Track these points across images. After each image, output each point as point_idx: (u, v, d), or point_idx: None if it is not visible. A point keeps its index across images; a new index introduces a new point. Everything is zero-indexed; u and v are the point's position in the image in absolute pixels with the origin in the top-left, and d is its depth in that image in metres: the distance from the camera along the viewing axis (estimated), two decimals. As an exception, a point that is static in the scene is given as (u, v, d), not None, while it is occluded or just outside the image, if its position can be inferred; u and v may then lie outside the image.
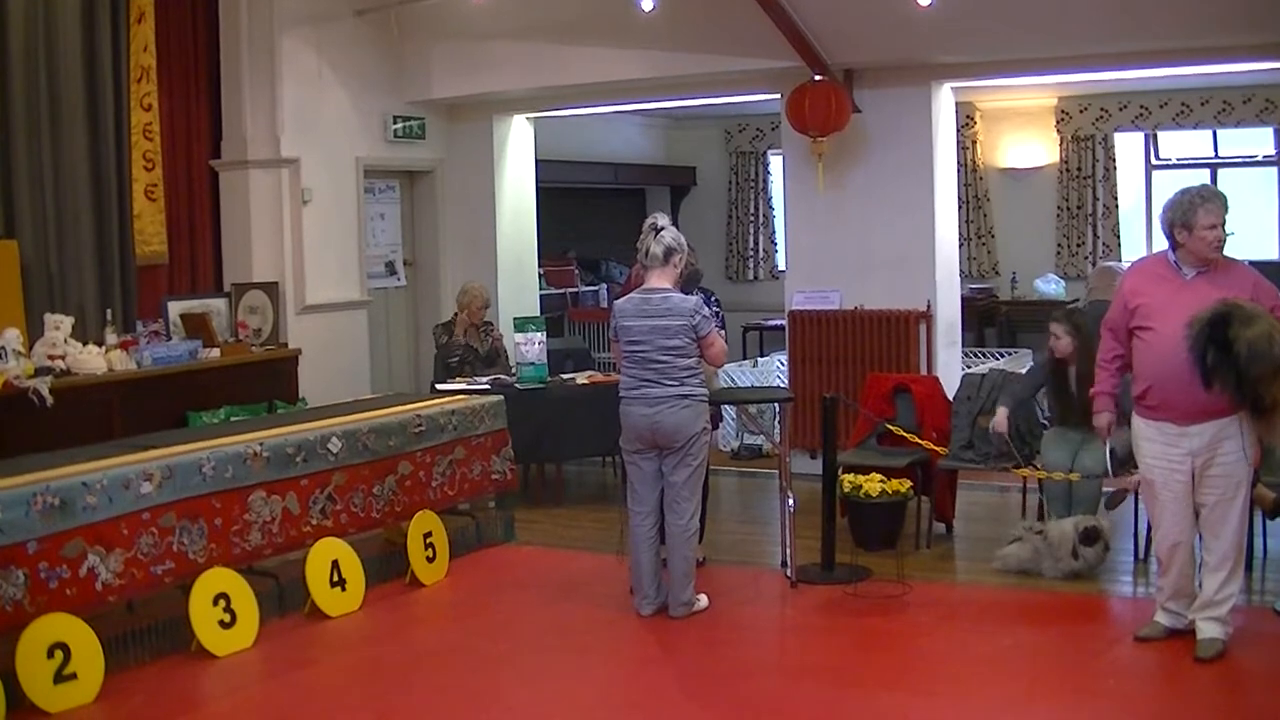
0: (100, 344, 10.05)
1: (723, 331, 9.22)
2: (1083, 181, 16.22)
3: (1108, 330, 7.40)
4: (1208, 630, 7.04)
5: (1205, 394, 6.66)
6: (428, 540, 9.03)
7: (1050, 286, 16.09)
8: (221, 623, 7.54)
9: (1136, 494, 8.41)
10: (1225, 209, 6.96)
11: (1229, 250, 7.10)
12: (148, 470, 7.26)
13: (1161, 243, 7.23)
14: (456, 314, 12.17)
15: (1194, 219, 6.91)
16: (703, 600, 8.19)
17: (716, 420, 9.99)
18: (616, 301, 8.32)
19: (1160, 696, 6.75)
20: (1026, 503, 9.52)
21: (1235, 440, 6.87)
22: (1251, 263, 7.24)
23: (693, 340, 7.89)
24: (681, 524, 8.05)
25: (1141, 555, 8.85)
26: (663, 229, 8.04)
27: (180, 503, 7.40)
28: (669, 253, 8.01)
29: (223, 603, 7.57)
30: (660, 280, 8.02)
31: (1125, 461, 7.60)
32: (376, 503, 8.75)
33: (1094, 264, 15.90)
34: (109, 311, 10.57)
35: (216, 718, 6.84)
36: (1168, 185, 14.40)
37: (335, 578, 8.29)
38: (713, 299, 9.47)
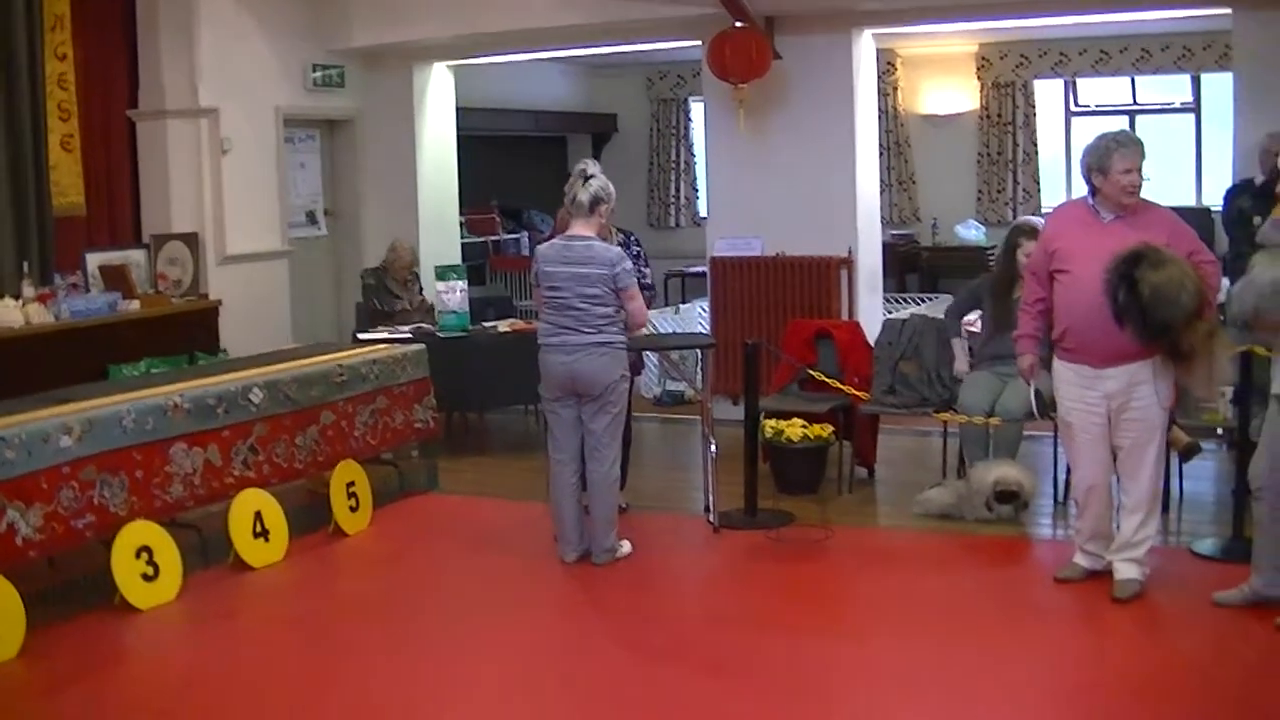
0: (17, 297, 9.95)
1: (648, 274, 9.24)
2: (1003, 128, 16.32)
3: (1030, 274, 7.50)
4: (1125, 571, 7.14)
5: (1121, 337, 6.75)
6: (351, 490, 9.02)
7: (971, 232, 16.20)
8: (144, 576, 7.50)
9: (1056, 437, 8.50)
10: (1141, 154, 7.03)
11: (1147, 195, 7.17)
12: (67, 424, 7.20)
13: (1081, 188, 7.30)
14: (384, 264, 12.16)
15: (1109, 164, 6.98)
16: (625, 546, 8.23)
17: (639, 367, 9.98)
18: (538, 247, 8.32)
19: (1079, 636, 6.85)
20: (947, 447, 9.58)
21: (1150, 384, 6.96)
22: (1170, 208, 7.31)
23: (611, 290, 7.88)
24: (602, 471, 8.07)
25: (1060, 498, 8.95)
26: (591, 176, 8.02)
27: (100, 456, 7.34)
28: (595, 201, 7.99)
29: (145, 556, 7.52)
30: (584, 229, 8.01)
31: (1051, 404, 7.67)
32: (299, 453, 8.72)
33: (1014, 210, 16.04)
34: (25, 264, 10.44)
35: (142, 672, 6.82)
36: (1087, 132, 14.41)
37: (258, 529, 8.27)
38: (633, 239, 9.48)
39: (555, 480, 8.21)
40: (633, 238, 9.54)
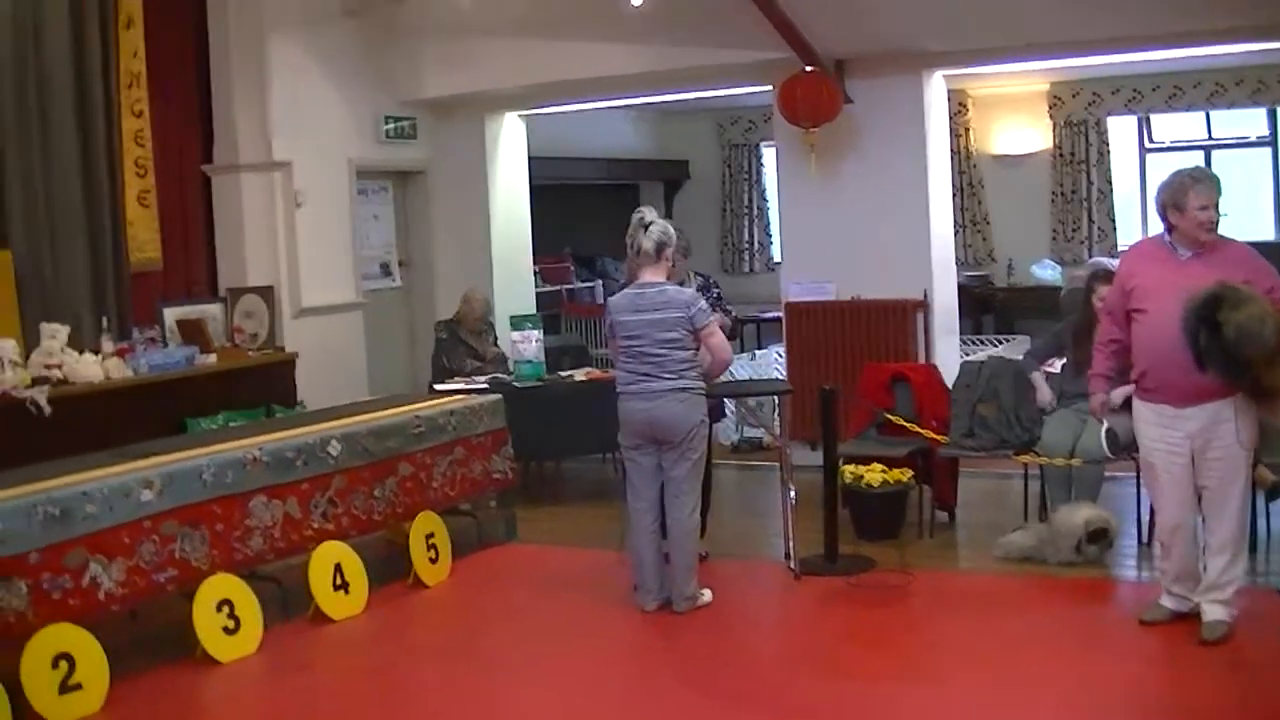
0: (96, 352, 10.00)
1: (729, 317, 9.21)
2: (1076, 166, 16.26)
3: (1106, 313, 7.42)
4: (1212, 613, 7.04)
5: (1201, 376, 6.68)
6: (430, 541, 9.02)
7: (1046, 272, 16.12)
8: (225, 629, 7.54)
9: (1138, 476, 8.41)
10: (1217, 190, 6.96)
11: (1225, 231, 7.11)
12: (147, 478, 7.25)
13: (1157, 226, 7.24)
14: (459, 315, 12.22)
15: (1185, 200, 6.92)
16: (706, 594, 8.18)
17: (717, 413, 9.95)
18: (611, 298, 8.30)
19: (1166, 680, 6.75)
20: (1028, 489, 9.49)
21: (1232, 423, 6.87)
22: (1248, 244, 7.24)
23: (689, 333, 7.88)
24: (682, 518, 8.04)
25: (1145, 539, 8.83)
26: (651, 224, 8.02)
27: (181, 509, 7.38)
28: (660, 246, 8.00)
29: (226, 609, 7.55)
30: (654, 274, 8.01)
31: (1127, 445, 7.59)
32: (377, 504, 8.73)
33: (1090, 249, 15.95)
34: (104, 319, 10.51)
35: (223, 724, 6.86)
36: (1162, 168, 14.34)
37: (338, 581, 8.28)
38: (711, 280, 9.49)
39: (635, 528, 8.18)
40: (711, 280, 9.54)
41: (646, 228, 8.01)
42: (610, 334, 8.15)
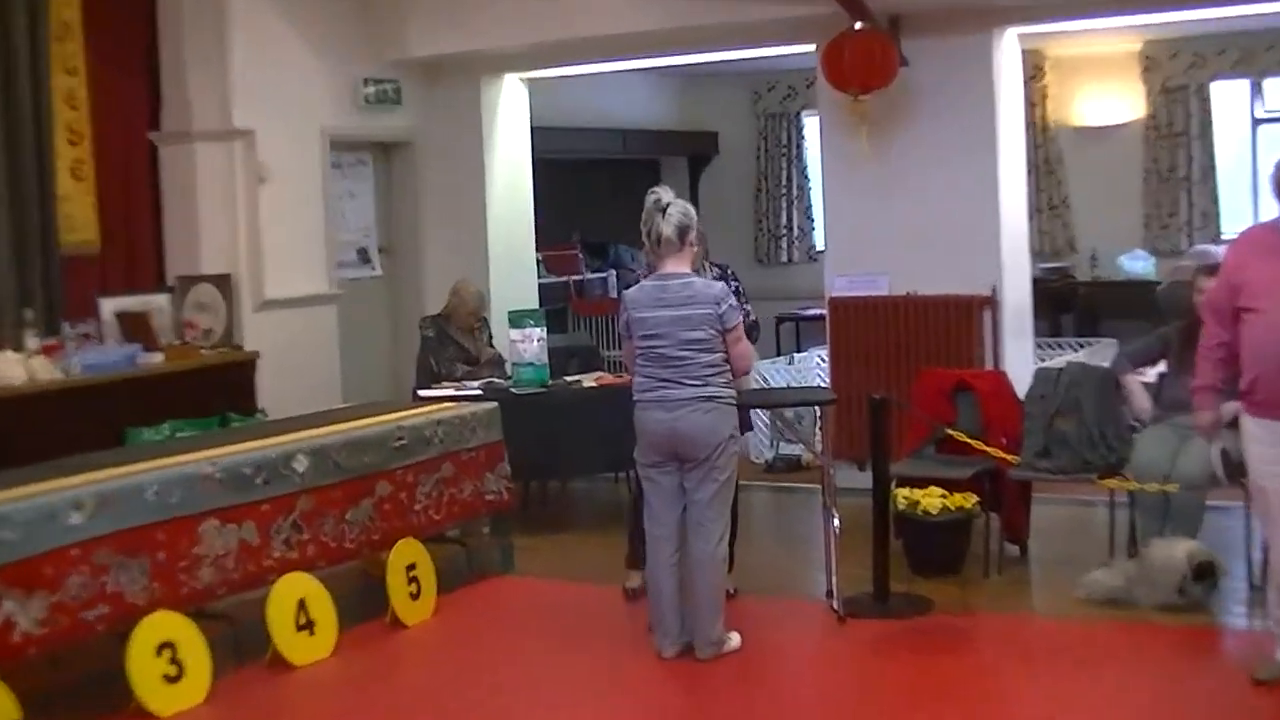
0: (19, 349, 10.02)
1: (747, 318, 9.14)
2: (1174, 140, 16.17)
3: (1210, 312, 7.32)
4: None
5: None
6: (411, 573, 9.00)
7: (1137, 264, 16.05)
8: (166, 676, 7.47)
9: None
10: None
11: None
12: (78, 498, 7.21)
13: (1271, 209, 7.14)
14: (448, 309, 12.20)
15: None
16: (734, 639, 8.12)
17: (747, 426, 9.89)
18: (627, 291, 8.27)
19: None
20: (1114, 519, 9.43)
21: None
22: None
23: (718, 333, 7.83)
24: (708, 549, 7.97)
25: (1257, 580, 8.73)
26: (669, 205, 7.96)
27: (116, 535, 7.32)
28: (682, 231, 7.94)
29: (168, 653, 7.49)
30: (678, 265, 7.97)
31: (1241, 467, 7.50)
32: (350, 530, 8.72)
33: (1189, 237, 15.87)
34: (29, 311, 10.52)
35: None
36: (1276, 142, 14.32)
37: (302, 620, 8.24)
38: (729, 271, 9.42)
39: (652, 559, 8.14)
40: (729, 270, 9.47)
41: (664, 210, 7.94)
42: (625, 333, 8.10)
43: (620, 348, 8.63)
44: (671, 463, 7.98)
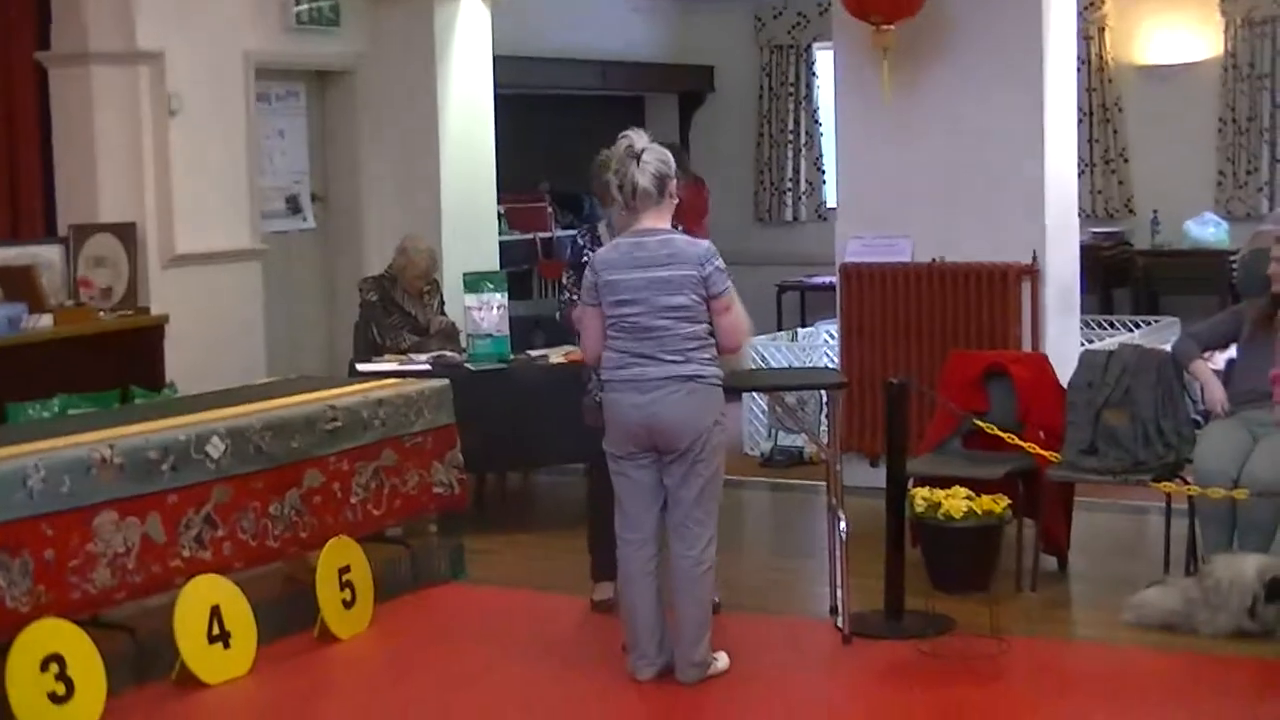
0: (-123, 310, 10.06)
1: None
2: (1256, 83, 16.21)
3: None
4: None
5: None
6: (344, 578, 9.02)
7: (1207, 231, 16.06)
8: (53, 695, 7.47)
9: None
10: None
11: None
12: (-52, 484, 7.25)
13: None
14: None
15: None
16: (722, 660, 8.15)
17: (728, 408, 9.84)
18: (598, 252, 8.24)
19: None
20: (1171, 529, 9.48)
21: None
22: None
23: (701, 300, 7.84)
24: (693, 556, 7.99)
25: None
26: (644, 150, 7.93)
27: (-6, 529, 7.38)
28: (661, 181, 7.91)
29: (55, 667, 7.48)
30: (657, 220, 7.97)
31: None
32: (274, 526, 8.75)
33: (1271, 199, 15.89)
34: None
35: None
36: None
37: (216, 631, 8.26)
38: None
39: (625, 568, 8.15)
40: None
41: (639, 157, 7.92)
42: (590, 299, 8.06)
43: (572, 320, 8.69)
44: (648, 454, 7.97)
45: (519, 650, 8.68)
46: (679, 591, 8.02)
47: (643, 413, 7.84)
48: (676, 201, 8.06)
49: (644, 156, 7.90)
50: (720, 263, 7.94)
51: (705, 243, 8.09)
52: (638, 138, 8.01)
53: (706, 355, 7.88)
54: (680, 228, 8.12)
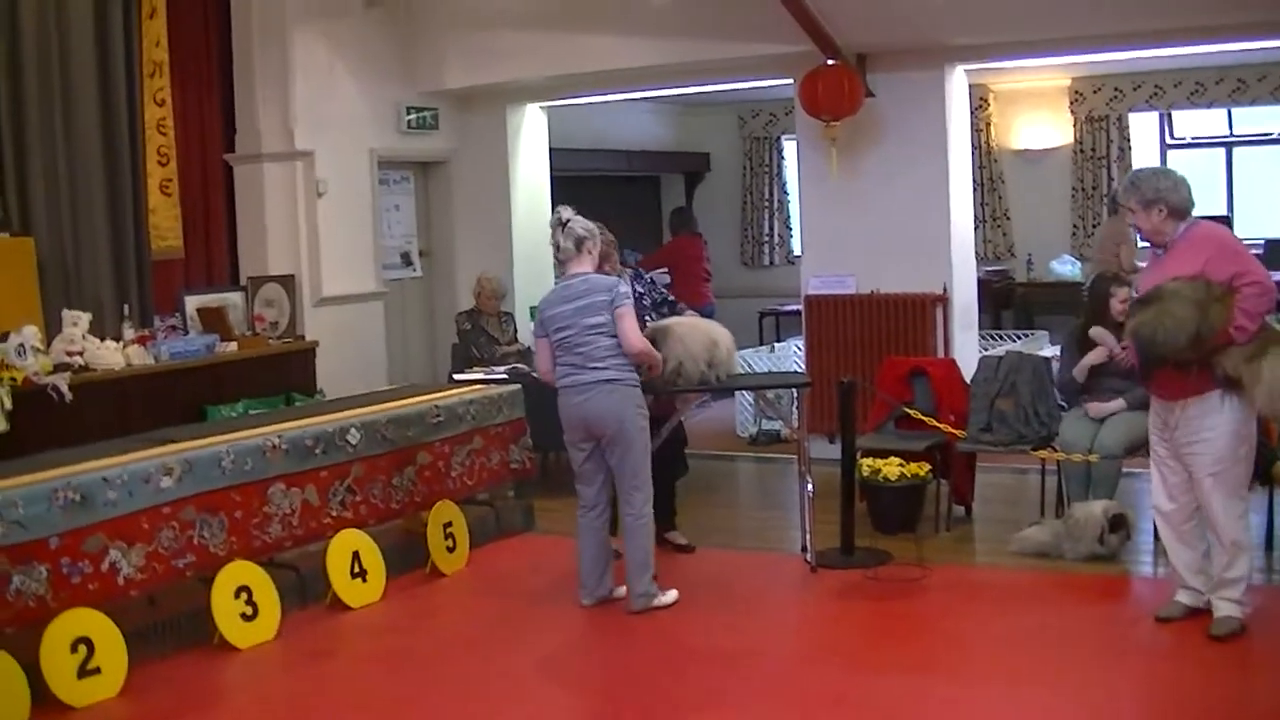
0: (118, 339, 10.05)
1: (674, 302, 9.24)
2: (1097, 162, 16.17)
3: None
4: (1223, 609, 7.05)
5: (1179, 373, 6.80)
6: (447, 530, 9.06)
7: (1066, 268, 16.04)
8: (243, 615, 7.57)
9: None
10: (1136, 195, 7.06)
11: (1249, 228, 7.16)
12: (167, 464, 7.28)
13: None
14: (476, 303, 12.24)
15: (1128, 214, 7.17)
16: (669, 595, 8.08)
17: (668, 406, 9.70)
18: (544, 296, 8.21)
19: (1178, 675, 6.73)
20: (1045, 485, 9.48)
21: (1215, 416, 6.89)
22: (1267, 241, 7.26)
23: (612, 317, 7.85)
24: (633, 512, 7.99)
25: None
26: (568, 221, 8.02)
27: (200, 496, 7.42)
28: (579, 241, 8.00)
29: (244, 595, 7.59)
30: (579, 266, 8.02)
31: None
32: (396, 493, 8.77)
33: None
34: (126, 306, 10.57)
35: (240, 710, 6.88)
36: (1183, 165, 14.34)
37: (356, 569, 8.32)
38: (647, 276, 9.61)
39: (579, 524, 8.22)
40: (648, 275, 9.76)
41: (564, 225, 8.02)
42: (539, 332, 8.09)
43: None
44: (589, 441, 8.01)
45: (573, 579, 8.44)
46: (626, 540, 8.02)
47: (580, 409, 7.90)
48: (595, 253, 8.09)
49: (568, 225, 8.02)
50: (625, 288, 7.98)
51: (613, 278, 8.13)
52: (565, 212, 8.12)
53: (620, 362, 7.87)
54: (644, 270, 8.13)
